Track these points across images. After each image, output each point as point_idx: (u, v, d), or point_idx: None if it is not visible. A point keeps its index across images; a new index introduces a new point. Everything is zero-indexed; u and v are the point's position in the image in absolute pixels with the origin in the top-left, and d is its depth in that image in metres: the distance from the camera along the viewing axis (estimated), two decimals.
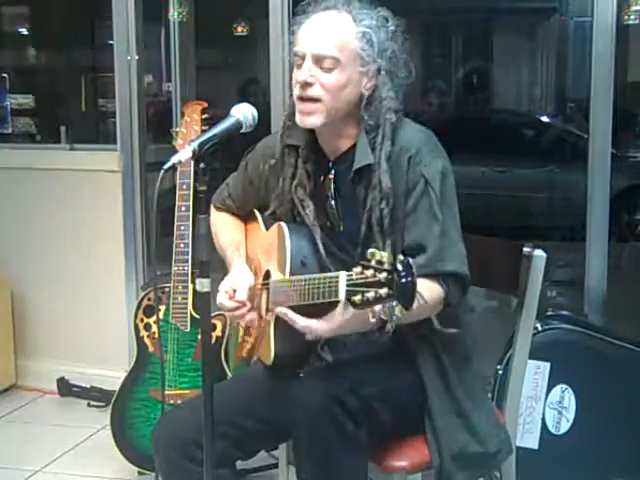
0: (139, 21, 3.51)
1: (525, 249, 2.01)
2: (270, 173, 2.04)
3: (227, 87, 7.19)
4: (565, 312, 2.77)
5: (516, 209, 6.69)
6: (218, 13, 6.75)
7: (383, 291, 1.43)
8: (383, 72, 1.84)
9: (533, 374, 2.58)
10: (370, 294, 1.44)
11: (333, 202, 1.94)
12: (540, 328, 2.59)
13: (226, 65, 8.32)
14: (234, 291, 1.91)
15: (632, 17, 4.49)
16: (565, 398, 2.60)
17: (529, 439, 2.60)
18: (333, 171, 1.94)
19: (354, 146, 1.89)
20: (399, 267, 1.43)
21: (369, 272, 1.46)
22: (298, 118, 1.87)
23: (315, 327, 1.73)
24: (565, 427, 2.61)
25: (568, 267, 3.89)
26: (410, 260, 1.44)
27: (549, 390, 2.61)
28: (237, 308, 1.91)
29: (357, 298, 1.46)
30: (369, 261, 1.47)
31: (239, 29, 7.88)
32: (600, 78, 2.82)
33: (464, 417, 1.89)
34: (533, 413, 2.60)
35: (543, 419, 2.61)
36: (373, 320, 1.52)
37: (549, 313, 2.72)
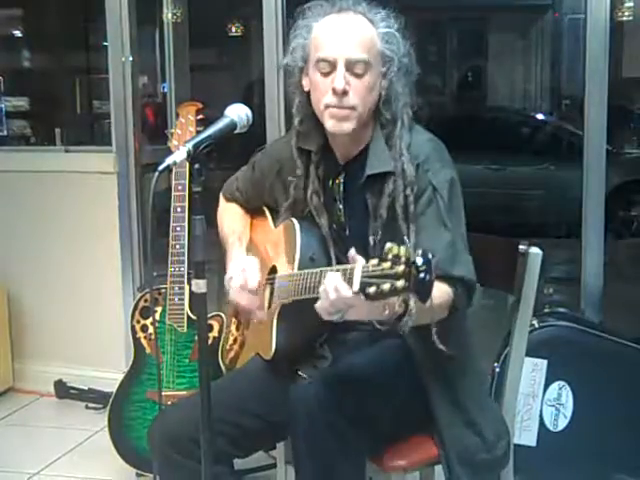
0: (133, 22, 3.51)
1: (521, 247, 2.00)
2: (276, 179, 2.04)
3: (222, 88, 7.18)
4: (562, 309, 2.78)
5: (512, 207, 6.69)
6: (212, 14, 6.75)
7: (399, 283, 1.39)
8: (396, 69, 1.83)
9: (530, 371, 2.58)
10: (386, 285, 1.39)
11: (341, 206, 1.92)
12: (537, 325, 2.60)
13: (220, 66, 8.31)
14: (243, 270, 1.91)
15: (626, 14, 4.51)
16: (562, 395, 2.61)
17: (527, 436, 2.60)
18: (342, 175, 1.92)
19: (365, 149, 1.87)
20: (418, 261, 1.39)
21: (386, 264, 1.41)
22: (331, 124, 1.82)
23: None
24: (563, 424, 2.62)
25: (564, 264, 3.89)
26: (429, 253, 1.40)
27: (546, 387, 2.61)
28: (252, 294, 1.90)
29: (371, 290, 1.41)
30: (386, 254, 1.42)
31: (233, 30, 7.88)
32: (594, 75, 2.82)
33: (472, 424, 1.89)
34: (531, 410, 2.61)
35: (541, 416, 2.61)
36: (386, 312, 1.50)
37: (546, 310, 2.73)
